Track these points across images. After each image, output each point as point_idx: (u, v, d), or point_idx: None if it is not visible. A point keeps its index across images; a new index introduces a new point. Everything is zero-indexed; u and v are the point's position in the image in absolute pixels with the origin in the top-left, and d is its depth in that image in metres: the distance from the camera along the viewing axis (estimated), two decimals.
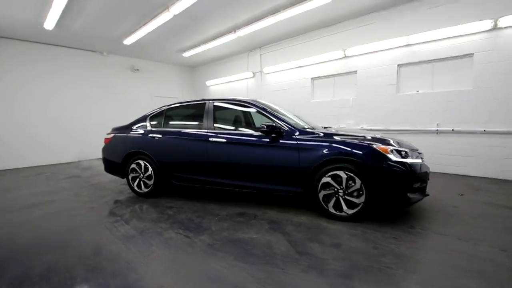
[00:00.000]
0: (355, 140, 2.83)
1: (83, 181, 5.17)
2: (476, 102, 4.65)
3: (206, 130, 3.51)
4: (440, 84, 5.11)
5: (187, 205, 3.54)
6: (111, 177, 5.12)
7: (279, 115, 3.33)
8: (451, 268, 1.96)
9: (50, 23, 5.56)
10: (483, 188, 4.04)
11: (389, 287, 1.77)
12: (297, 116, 3.87)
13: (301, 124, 3.50)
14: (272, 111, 3.34)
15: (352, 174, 2.72)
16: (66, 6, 4.84)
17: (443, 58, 4.99)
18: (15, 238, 2.73)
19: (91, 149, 7.96)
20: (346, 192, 2.76)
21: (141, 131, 3.96)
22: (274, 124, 3.08)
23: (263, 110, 3.36)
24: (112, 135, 4.22)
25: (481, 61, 4.56)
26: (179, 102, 4.05)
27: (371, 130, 5.89)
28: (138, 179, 3.92)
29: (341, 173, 2.75)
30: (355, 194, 2.74)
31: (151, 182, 3.82)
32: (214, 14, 5.62)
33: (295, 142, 2.99)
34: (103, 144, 4.34)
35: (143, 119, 4.10)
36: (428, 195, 2.93)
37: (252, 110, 3.52)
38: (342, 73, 6.49)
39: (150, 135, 3.84)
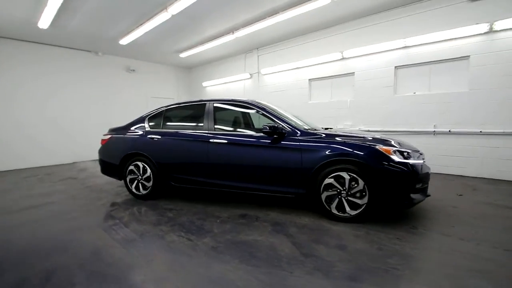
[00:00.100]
0: (358, 141, 2.84)
1: (79, 183, 5.06)
2: (473, 104, 4.72)
3: (206, 131, 3.47)
4: (437, 86, 5.17)
5: (187, 207, 3.49)
6: (107, 179, 5.02)
7: (281, 116, 3.31)
8: (457, 269, 1.97)
9: (44, 22, 5.44)
10: (480, 188, 4.09)
11: None
12: (297, 117, 3.86)
13: (302, 125, 3.48)
14: (273, 112, 3.32)
15: (355, 175, 2.71)
16: (62, 4, 4.75)
17: (440, 60, 5.06)
18: (11, 241, 2.64)
19: (86, 150, 7.81)
20: (349, 193, 2.76)
21: (140, 132, 3.89)
22: (276, 125, 3.05)
23: (265, 111, 3.34)
24: (109, 136, 4.15)
25: (477, 63, 4.64)
26: (178, 103, 4.00)
27: (368, 131, 5.92)
28: (136, 181, 3.85)
29: (344, 174, 2.75)
30: (358, 195, 2.73)
31: (149, 184, 3.76)
32: (213, 14, 5.59)
33: (297, 143, 2.97)
34: (98, 146, 4.26)
35: (141, 120, 4.03)
36: (429, 195, 2.95)
37: (254, 111, 3.50)
38: (339, 75, 6.53)
39: (149, 136, 3.78)
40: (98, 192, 4.36)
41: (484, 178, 4.67)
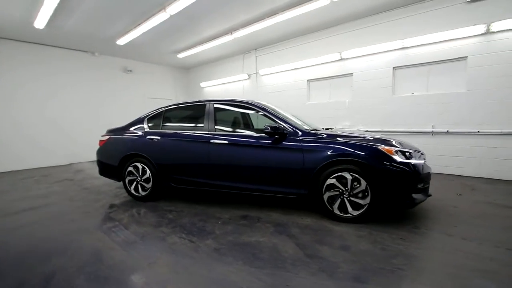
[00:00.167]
0: (359, 141, 2.83)
1: (76, 184, 4.99)
2: (470, 104, 4.76)
3: (207, 132, 3.44)
4: (435, 86, 5.21)
5: (188, 208, 3.45)
6: (105, 181, 4.96)
7: (282, 116, 3.30)
8: (460, 268, 1.97)
9: (40, 22, 5.37)
10: (479, 188, 4.12)
11: None
12: (296, 118, 3.85)
13: (303, 125, 3.47)
14: (274, 113, 3.31)
15: (357, 175, 2.71)
16: (59, 4, 4.69)
17: (437, 61, 5.10)
18: (9, 244, 2.60)
19: (83, 151, 7.73)
20: (351, 193, 2.75)
21: (139, 133, 3.85)
22: (278, 126, 3.04)
23: (266, 111, 3.32)
24: (108, 137, 4.09)
25: (475, 64, 4.68)
26: (178, 103, 3.96)
27: (367, 131, 5.94)
28: (135, 182, 3.80)
29: (346, 175, 2.74)
30: (360, 195, 2.73)
31: (149, 185, 3.71)
32: (212, 14, 5.56)
33: (299, 143, 2.96)
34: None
35: (140, 120, 3.99)
36: (430, 195, 2.95)
37: (254, 111, 3.48)
38: (338, 75, 6.54)
39: (148, 137, 3.73)
40: (96, 194, 4.30)
41: (482, 177, 4.70)
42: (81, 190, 4.55)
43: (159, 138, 3.66)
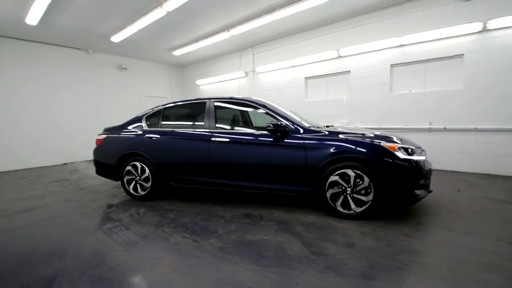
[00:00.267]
0: (362, 138, 2.83)
1: (72, 184, 4.88)
2: (467, 101, 4.82)
3: (207, 130, 3.40)
4: (432, 83, 5.26)
5: (189, 207, 3.41)
6: (101, 180, 4.87)
7: (283, 113, 3.28)
8: (465, 263, 1.98)
9: (33, 18, 5.21)
10: (476, 183, 4.18)
11: (412, 285, 1.76)
12: (297, 115, 3.83)
13: (303, 122, 3.46)
14: (276, 110, 3.28)
15: (360, 172, 2.71)
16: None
17: (434, 59, 5.15)
18: (7, 246, 2.53)
19: (77, 151, 7.60)
20: (354, 190, 2.75)
21: (137, 132, 3.78)
22: (280, 123, 3.02)
23: (267, 108, 3.30)
24: (105, 136, 4.01)
25: (471, 61, 4.73)
26: (177, 101, 3.91)
27: (365, 128, 5.97)
28: (134, 182, 3.73)
29: (349, 172, 2.74)
30: (363, 192, 2.73)
31: (148, 185, 3.66)
32: (209, 11, 5.49)
33: (302, 141, 2.95)
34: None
35: (138, 119, 3.92)
36: (431, 191, 2.98)
37: (256, 109, 3.45)
38: (336, 73, 6.55)
39: (147, 135, 3.67)
40: (93, 194, 4.22)
41: (479, 173, 4.78)
42: (78, 191, 4.45)
43: (158, 136, 3.60)
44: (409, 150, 2.74)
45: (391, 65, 5.67)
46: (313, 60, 6.76)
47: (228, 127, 3.58)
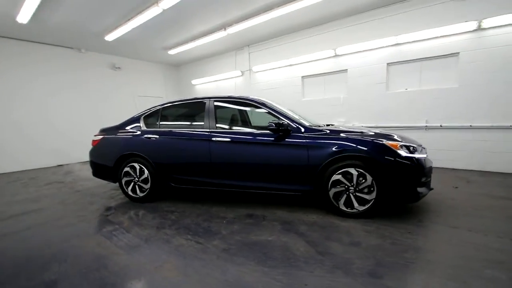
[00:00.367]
0: (364, 137, 2.83)
1: (67, 187, 4.77)
2: (463, 99, 4.89)
3: (208, 130, 3.35)
4: (428, 82, 5.31)
5: (190, 208, 3.36)
6: (97, 182, 4.78)
7: (284, 112, 3.25)
8: (470, 260, 2.00)
9: (24, 15, 5.06)
10: (473, 180, 4.24)
11: (420, 283, 1.76)
12: (296, 114, 3.82)
13: (305, 121, 3.44)
14: (278, 109, 3.26)
15: (362, 171, 2.71)
16: None
17: (430, 57, 5.20)
18: (4, 251, 2.44)
19: (71, 152, 7.44)
20: (357, 189, 2.75)
21: (135, 132, 3.71)
22: (281, 122, 2.99)
23: (268, 107, 3.27)
24: (101, 136, 3.92)
25: (466, 60, 4.80)
26: (176, 101, 3.84)
27: (364, 127, 6.00)
28: (132, 183, 3.66)
29: (351, 170, 2.73)
30: (366, 190, 2.73)
31: (147, 186, 3.59)
32: (205, 9, 5.43)
33: (303, 140, 2.93)
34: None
35: (135, 119, 3.84)
36: (432, 188, 3.00)
37: (256, 108, 3.42)
38: (332, 72, 6.57)
39: (146, 135, 3.60)
40: (90, 196, 4.13)
41: (474, 170, 4.85)
42: (73, 193, 4.35)
43: (157, 136, 3.54)
44: (411, 148, 2.75)
45: (388, 63, 5.71)
46: (310, 59, 6.76)
47: (230, 126, 3.54)
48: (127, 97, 9.02)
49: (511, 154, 4.52)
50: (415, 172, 2.66)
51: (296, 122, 3.09)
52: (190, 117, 3.85)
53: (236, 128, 3.57)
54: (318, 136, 2.92)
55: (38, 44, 6.97)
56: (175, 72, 10.71)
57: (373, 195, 2.70)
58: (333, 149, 2.80)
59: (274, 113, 3.19)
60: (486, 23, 4.49)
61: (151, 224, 2.93)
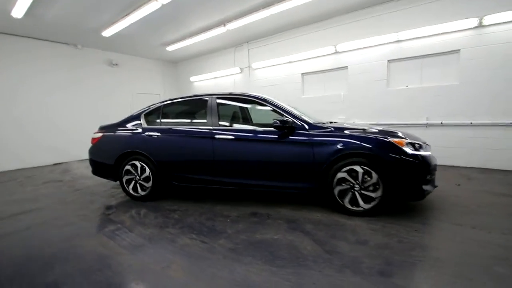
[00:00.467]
0: (369, 134, 2.81)
1: (66, 185, 4.70)
2: (463, 96, 4.89)
3: (211, 127, 3.30)
4: (429, 79, 5.31)
5: (192, 207, 3.32)
6: (96, 180, 4.71)
7: (288, 109, 3.22)
8: (477, 257, 1.99)
9: (19, 10, 4.93)
10: (474, 177, 4.26)
11: (430, 281, 1.75)
12: (299, 111, 3.78)
13: (308, 119, 3.41)
14: (282, 106, 3.22)
15: (368, 168, 2.69)
16: None
17: (431, 54, 5.19)
18: (3, 252, 2.39)
19: (69, 150, 7.33)
20: (362, 186, 2.73)
21: (136, 129, 3.65)
22: (286, 119, 2.96)
23: (272, 104, 3.23)
24: (101, 134, 3.85)
25: (467, 57, 4.79)
26: (177, 98, 3.79)
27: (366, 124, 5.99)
28: (133, 182, 3.61)
29: (357, 168, 2.72)
30: (371, 188, 2.71)
31: (149, 184, 3.54)
32: (205, 4, 5.34)
33: (308, 137, 2.90)
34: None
35: (136, 116, 3.78)
36: (437, 186, 2.99)
37: (259, 105, 3.38)
38: (333, 69, 6.53)
39: (147, 133, 3.55)
40: (90, 195, 4.07)
41: (475, 167, 4.87)
42: (73, 192, 4.28)
43: (159, 134, 3.49)
44: (416, 145, 2.74)
45: (388, 60, 5.69)
46: (310, 56, 6.72)
47: (233, 124, 3.51)
48: (125, 94, 8.90)
49: None
50: (421, 170, 2.65)
51: (301, 119, 3.06)
52: (192, 114, 3.80)
53: (239, 126, 3.53)
54: (322, 134, 2.90)
55: (34, 39, 6.81)
56: (173, 69, 10.60)
57: (379, 193, 2.68)
58: (339, 146, 2.77)
59: (279, 110, 3.15)
60: (487, 20, 4.48)
61: (154, 223, 2.89)
